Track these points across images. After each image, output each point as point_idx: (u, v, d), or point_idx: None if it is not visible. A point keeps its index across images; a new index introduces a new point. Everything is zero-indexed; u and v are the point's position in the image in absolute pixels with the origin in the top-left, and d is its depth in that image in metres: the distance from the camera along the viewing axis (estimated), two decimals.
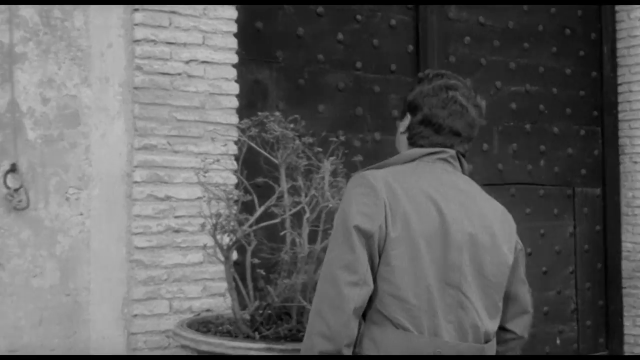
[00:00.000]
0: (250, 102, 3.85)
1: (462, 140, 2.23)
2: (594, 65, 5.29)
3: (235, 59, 3.60)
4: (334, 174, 2.97)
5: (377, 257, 2.01)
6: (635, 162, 5.22)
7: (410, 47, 4.54)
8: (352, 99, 4.33)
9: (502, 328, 2.21)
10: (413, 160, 2.17)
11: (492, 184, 4.79)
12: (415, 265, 2.01)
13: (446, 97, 2.18)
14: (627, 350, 5.25)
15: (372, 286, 2.00)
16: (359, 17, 4.37)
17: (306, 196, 2.83)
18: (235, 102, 3.60)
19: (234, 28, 3.60)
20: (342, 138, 3.18)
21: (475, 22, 4.81)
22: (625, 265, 5.27)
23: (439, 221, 2.04)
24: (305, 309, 2.76)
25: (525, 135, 4.97)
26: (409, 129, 2.22)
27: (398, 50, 4.51)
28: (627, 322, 5.26)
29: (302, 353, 2.01)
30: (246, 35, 3.88)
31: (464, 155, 2.26)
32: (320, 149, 3.03)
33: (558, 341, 5.05)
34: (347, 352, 1.99)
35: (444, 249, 2.03)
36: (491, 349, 2.12)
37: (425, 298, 2.01)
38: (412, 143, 2.21)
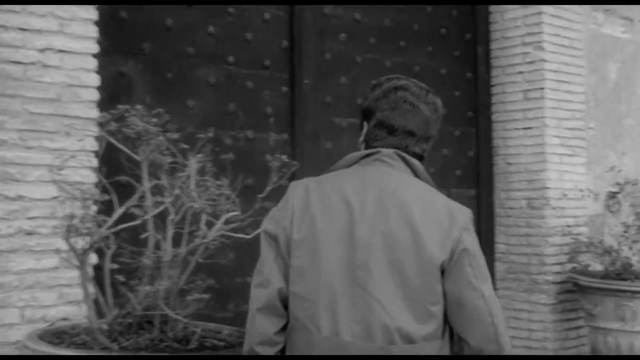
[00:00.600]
0: (114, 95, 3.66)
1: (419, 140, 2.25)
2: (468, 66, 5.37)
3: (95, 48, 3.41)
4: (201, 172, 2.84)
5: (287, 259, 2.11)
6: (509, 164, 5.33)
7: (285, 43, 4.46)
8: (224, 94, 4.21)
9: (459, 338, 2.11)
10: (355, 162, 2.21)
11: None
12: (317, 265, 2.05)
13: (395, 97, 2.22)
14: None
15: (278, 286, 2.11)
16: (231, 9, 4.25)
17: (170, 196, 2.68)
18: (95, 95, 3.40)
19: (94, 15, 3.40)
20: (211, 134, 3.03)
21: (351, 19, 4.78)
22: (499, 267, 5.38)
23: (347, 221, 2.07)
24: (169, 318, 2.62)
25: None
26: (366, 135, 2.25)
27: (272, 45, 4.42)
28: None
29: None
30: (109, 25, 3.69)
31: (420, 156, 2.27)
32: (187, 146, 2.90)
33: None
34: (265, 351, 2.11)
35: (351, 248, 2.04)
36: (415, 354, 2.01)
37: (326, 297, 2.04)
38: (368, 147, 2.23)
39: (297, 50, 4.48)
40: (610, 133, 5.70)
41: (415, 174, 2.21)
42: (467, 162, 5.32)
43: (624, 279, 4.71)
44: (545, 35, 5.15)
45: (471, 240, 2.08)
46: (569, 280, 5.04)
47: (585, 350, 5.26)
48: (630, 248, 4.81)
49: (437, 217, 2.07)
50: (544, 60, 5.15)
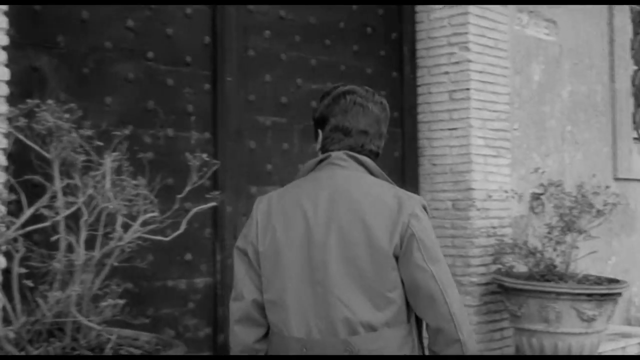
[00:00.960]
0: (25, 90, 3.50)
1: (372, 137, 2.44)
2: (394, 66, 5.36)
3: (5, 40, 3.25)
4: (117, 171, 2.73)
5: (258, 270, 2.31)
6: (434, 165, 5.35)
7: (207, 39, 4.36)
8: (143, 91, 4.08)
9: (422, 319, 2.28)
10: (312, 170, 2.37)
11: None
12: (281, 272, 2.24)
13: (345, 101, 2.38)
14: None
15: (252, 297, 2.31)
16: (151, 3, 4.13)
17: (83, 196, 2.57)
18: (4, 90, 3.24)
19: (3, 6, 3.24)
20: (127, 132, 2.92)
21: (276, 16, 4.71)
22: None
23: (304, 227, 2.24)
24: (81, 325, 2.50)
25: None
26: (323, 141, 2.39)
27: (194, 41, 4.32)
28: None
29: None
30: (21, 16, 3.53)
31: (376, 153, 2.46)
32: (101, 144, 2.78)
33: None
34: None
35: (308, 251, 2.22)
36: (376, 342, 2.17)
37: (294, 300, 2.22)
38: (325, 152, 2.37)
39: (220, 47, 4.39)
40: (534, 135, 5.77)
41: (369, 170, 2.38)
42: (393, 163, 5.31)
43: (547, 280, 4.77)
44: (471, 35, 5.18)
45: (420, 226, 2.22)
46: (494, 282, 5.08)
47: (510, 352, 5.31)
48: (555, 249, 4.87)
49: (387, 208, 2.22)
50: (469, 61, 5.17)
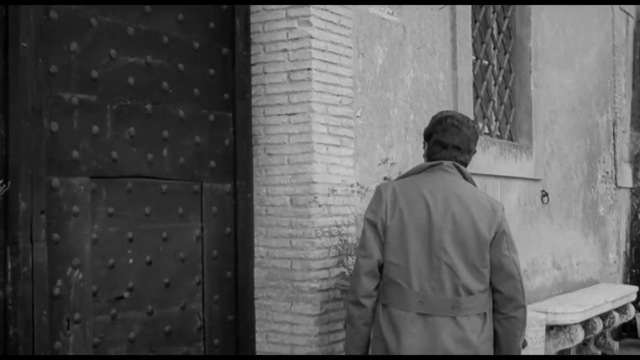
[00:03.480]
0: None
1: (463, 152, 3.56)
2: (225, 40, 4.76)
3: None
4: None
5: (382, 239, 3.42)
6: (270, 154, 4.80)
7: None
8: None
9: (495, 290, 3.46)
10: (421, 170, 3.51)
11: (103, 177, 4.01)
12: (405, 243, 3.37)
13: (446, 123, 3.53)
14: None
15: (377, 257, 3.43)
16: None
17: None
18: None
19: None
20: None
21: None
22: (258, 273, 4.82)
23: (426, 213, 3.37)
24: None
25: (145, 118, 4.26)
26: (428, 150, 3.59)
27: None
28: (259, 339, 4.81)
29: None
30: None
31: (465, 164, 3.59)
32: None
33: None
34: (367, 302, 3.45)
35: (429, 231, 3.36)
36: (472, 302, 3.38)
37: (414, 265, 3.35)
38: (429, 159, 3.55)
39: (13, 6, 3.62)
40: (378, 123, 5.36)
41: (464, 177, 3.54)
42: (223, 152, 4.71)
43: None
44: (313, 8, 4.66)
45: (506, 225, 3.48)
46: (337, 287, 4.61)
47: None
48: None
49: (485, 209, 3.43)
50: (310, 37, 4.66)
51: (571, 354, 7.59)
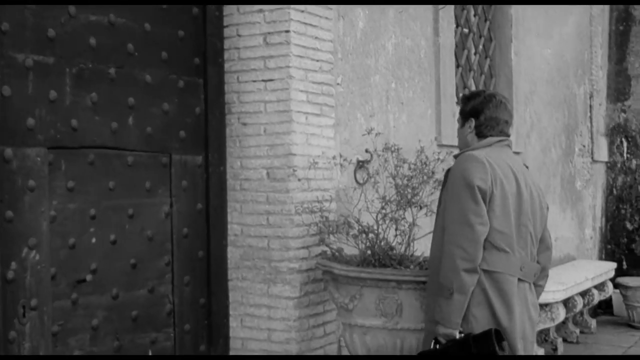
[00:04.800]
0: None
1: (510, 126, 3.76)
2: None
3: None
4: None
5: (486, 206, 3.47)
6: (245, 124, 4.43)
7: None
8: None
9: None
10: (489, 145, 3.62)
11: (62, 147, 3.63)
12: (506, 211, 3.48)
13: (496, 100, 3.72)
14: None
15: (489, 225, 3.43)
16: None
17: None
18: None
19: None
20: None
21: None
22: (232, 253, 4.47)
23: (516, 185, 3.53)
24: None
25: (108, 83, 3.87)
26: (476, 127, 3.70)
27: None
28: (233, 323, 4.47)
29: (446, 272, 3.41)
30: None
31: (508, 135, 3.77)
32: None
33: (150, 353, 4.07)
34: (478, 269, 3.42)
35: (519, 201, 3.53)
36: (536, 268, 3.66)
37: (512, 231, 3.50)
38: (482, 135, 3.68)
39: None
40: (358, 91, 5.02)
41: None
42: (193, 122, 4.34)
43: (385, 266, 4.03)
44: None
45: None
46: (318, 268, 4.28)
47: (333, 350, 4.55)
48: (396, 228, 4.13)
49: (538, 184, 3.76)
50: None
51: (551, 333, 7.38)
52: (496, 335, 3.32)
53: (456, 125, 6.12)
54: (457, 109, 6.18)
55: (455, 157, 3.67)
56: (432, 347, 3.45)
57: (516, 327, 3.48)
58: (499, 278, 3.45)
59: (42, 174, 3.53)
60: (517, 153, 7.20)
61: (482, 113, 3.67)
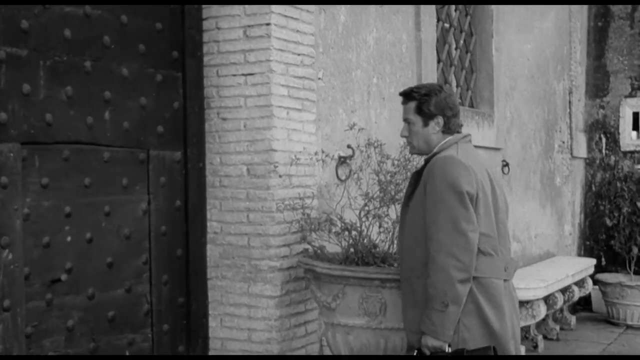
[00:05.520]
0: None
1: None
2: None
3: None
4: None
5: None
6: (224, 119, 4.33)
7: None
8: None
9: None
10: (456, 143, 3.51)
11: (35, 143, 3.51)
12: (489, 212, 3.37)
13: (451, 92, 3.62)
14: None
15: (478, 230, 3.31)
16: None
17: None
18: None
19: None
20: None
21: None
22: (211, 251, 4.37)
23: (490, 182, 3.44)
24: None
25: (84, 76, 3.75)
26: (444, 125, 3.52)
27: None
28: (212, 323, 4.37)
29: (438, 284, 3.23)
30: None
31: None
32: None
33: (127, 354, 3.97)
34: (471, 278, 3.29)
35: (494, 199, 3.44)
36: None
37: (495, 233, 3.39)
38: (449, 132, 3.54)
39: None
40: (340, 86, 4.93)
41: None
42: (172, 116, 4.23)
43: (368, 264, 3.95)
44: None
45: None
46: (300, 266, 4.19)
47: (314, 350, 4.47)
48: (380, 225, 4.04)
49: None
50: None
51: (531, 330, 7.34)
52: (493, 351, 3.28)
53: None
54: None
55: (427, 160, 3.50)
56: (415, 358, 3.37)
57: (507, 329, 3.40)
58: (487, 283, 3.35)
59: (15, 170, 3.41)
60: (496, 149, 7.16)
61: (448, 109, 3.49)
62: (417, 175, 3.50)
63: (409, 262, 3.45)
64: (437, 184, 3.30)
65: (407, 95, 3.59)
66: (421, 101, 3.51)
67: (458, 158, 3.36)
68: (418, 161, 4.27)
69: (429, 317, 3.26)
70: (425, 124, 3.51)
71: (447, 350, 3.27)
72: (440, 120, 3.49)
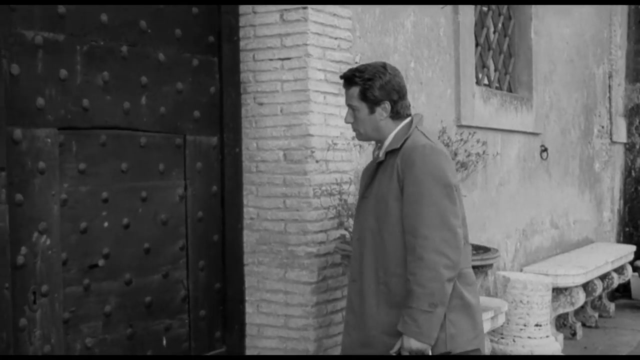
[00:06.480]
0: None
1: None
2: None
3: None
4: None
5: None
6: (261, 104, 4.28)
7: None
8: None
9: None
10: (418, 129, 3.20)
11: (72, 128, 3.48)
12: (460, 199, 3.14)
13: (395, 70, 3.25)
14: (249, 344, 4.34)
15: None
16: None
17: None
18: None
19: None
20: None
21: None
22: (248, 237, 4.33)
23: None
24: None
25: (120, 61, 3.72)
26: (399, 108, 3.22)
27: None
28: (249, 309, 4.34)
29: (426, 282, 2.94)
30: None
31: None
32: None
33: (164, 341, 3.95)
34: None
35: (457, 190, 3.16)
36: None
37: (465, 220, 3.18)
38: (400, 116, 3.23)
39: None
40: None
41: None
42: (208, 101, 4.19)
43: None
44: None
45: None
46: (337, 252, 4.14)
47: None
48: None
49: None
50: None
51: (569, 317, 7.23)
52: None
53: (476, 105, 6.00)
54: (477, 89, 6.04)
55: (390, 150, 3.16)
56: None
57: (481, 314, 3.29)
58: (466, 274, 3.15)
59: (53, 156, 3.39)
60: (535, 134, 7.05)
61: (394, 92, 3.17)
62: (377, 165, 3.21)
63: (382, 261, 3.12)
64: (420, 175, 3.01)
65: (349, 80, 3.24)
66: (365, 86, 3.18)
67: (438, 147, 3.10)
68: (457, 146, 4.19)
69: (413, 318, 2.97)
70: (372, 111, 3.20)
71: (429, 353, 3.01)
72: (387, 105, 3.18)
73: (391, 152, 3.15)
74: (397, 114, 3.20)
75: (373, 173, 3.22)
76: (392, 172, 3.09)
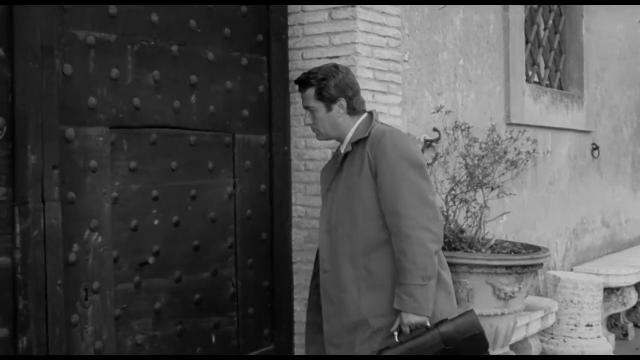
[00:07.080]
0: None
1: None
2: None
3: None
4: None
5: None
6: None
7: None
8: None
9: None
10: (377, 122, 3.40)
11: (124, 127, 3.51)
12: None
13: (346, 69, 3.45)
14: (298, 342, 4.34)
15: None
16: None
17: None
18: None
19: None
20: None
21: None
22: (296, 235, 4.33)
23: None
24: None
25: (171, 60, 3.74)
26: (355, 104, 3.38)
27: None
28: (297, 307, 4.33)
29: (417, 258, 3.07)
30: None
31: None
32: None
33: (213, 338, 3.96)
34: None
35: None
36: None
37: None
38: (357, 112, 3.40)
39: None
40: (426, 69, 4.81)
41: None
42: (257, 100, 4.19)
43: (456, 249, 3.84)
44: None
45: None
46: None
47: None
48: (467, 210, 3.93)
49: None
50: None
51: (621, 317, 7.10)
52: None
53: (525, 102, 5.92)
54: (527, 87, 5.95)
55: (356, 142, 3.30)
56: (397, 340, 3.15)
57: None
58: (439, 252, 3.27)
59: (104, 154, 3.42)
60: (586, 132, 6.92)
61: (348, 88, 3.36)
62: (343, 158, 3.35)
63: (360, 246, 3.23)
64: (394, 159, 3.16)
65: (304, 83, 3.42)
66: (320, 86, 3.35)
67: (403, 132, 3.31)
68: (506, 145, 4.13)
69: (409, 294, 3.09)
70: (329, 109, 3.37)
71: (428, 325, 3.13)
72: (343, 102, 3.35)
73: (357, 143, 3.29)
74: (353, 110, 3.37)
75: (338, 167, 3.37)
76: (362, 160, 3.23)
